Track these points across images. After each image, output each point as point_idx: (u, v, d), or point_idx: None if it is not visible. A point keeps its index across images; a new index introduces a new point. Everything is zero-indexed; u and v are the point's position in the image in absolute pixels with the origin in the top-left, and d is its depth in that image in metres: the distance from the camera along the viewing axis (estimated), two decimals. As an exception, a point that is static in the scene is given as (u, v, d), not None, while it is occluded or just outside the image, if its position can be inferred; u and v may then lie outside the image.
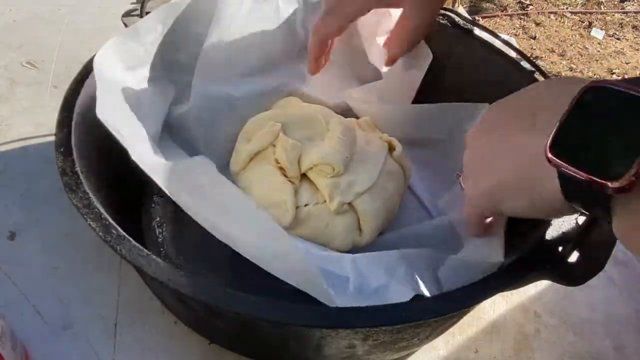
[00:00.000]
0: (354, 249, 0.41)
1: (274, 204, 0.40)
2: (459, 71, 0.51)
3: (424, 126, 0.49)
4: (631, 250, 0.26)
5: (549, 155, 0.25)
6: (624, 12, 2.25)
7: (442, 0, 0.49)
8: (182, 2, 0.44)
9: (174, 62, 0.45)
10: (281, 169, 0.41)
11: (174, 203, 0.35)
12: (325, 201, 0.40)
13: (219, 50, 0.45)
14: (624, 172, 0.22)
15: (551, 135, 0.25)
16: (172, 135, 0.47)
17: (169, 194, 0.34)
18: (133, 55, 0.42)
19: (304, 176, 0.41)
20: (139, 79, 0.43)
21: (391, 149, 0.45)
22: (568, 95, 0.27)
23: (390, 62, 0.49)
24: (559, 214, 0.30)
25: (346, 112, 0.52)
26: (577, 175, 0.24)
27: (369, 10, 0.46)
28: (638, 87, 0.23)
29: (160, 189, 0.35)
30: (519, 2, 2.24)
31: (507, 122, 0.32)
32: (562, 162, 0.25)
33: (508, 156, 0.30)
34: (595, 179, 0.23)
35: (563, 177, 0.26)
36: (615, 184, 0.23)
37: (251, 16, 0.46)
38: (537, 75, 0.48)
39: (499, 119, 0.33)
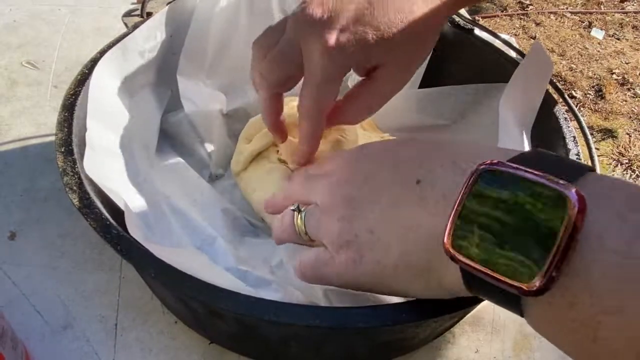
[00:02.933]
0: None
1: (274, 205, 0.40)
2: (459, 71, 0.51)
3: (426, 111, 0.49)
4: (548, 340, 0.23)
5: (449, 251, 0.22)
6: (624, 12, 2.25)
7: (423, 60, 0.39)
8: (179, 6, 0.45)
9: (170, 68, 0.45)
10: (287, 164, 0.41)
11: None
12: None
13: (198, 51, 0.45)
14: (536, 273, 0.19)
15: (447, 228, 0.22)
16: (169, 140, 0.47)
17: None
18: (131, 65, 0.42)
19: None
20: (136, 87, 0.44)
21: None
22: (457, 170, 0.24)
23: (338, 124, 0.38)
24: (456, 296, 0.27)
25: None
26: (483, 272, 0.21)
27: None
28: (529, 171, 0.20)
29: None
30: (519, 2, 2.24)
31: (390, 185, 0.27)
32: (463, 259, 0.22)
33: (400, 235, 0.26)
34: (504, 280, 0.20)
35: (465, 274, 0.23)
36: (528, 287, 0.20)
37: (226, 11, 0.46)
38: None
39: (380, 178, 0.28)
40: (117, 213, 0.34)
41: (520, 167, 0.21)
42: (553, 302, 0.20)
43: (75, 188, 0.33)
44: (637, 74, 1.95)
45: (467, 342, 0.40)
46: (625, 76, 1.94)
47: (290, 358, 0.37)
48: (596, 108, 1.79)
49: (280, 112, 0.38)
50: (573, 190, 0.19)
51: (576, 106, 1.75)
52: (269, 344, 0.35)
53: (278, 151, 0.42)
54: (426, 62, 0.48)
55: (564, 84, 1.86)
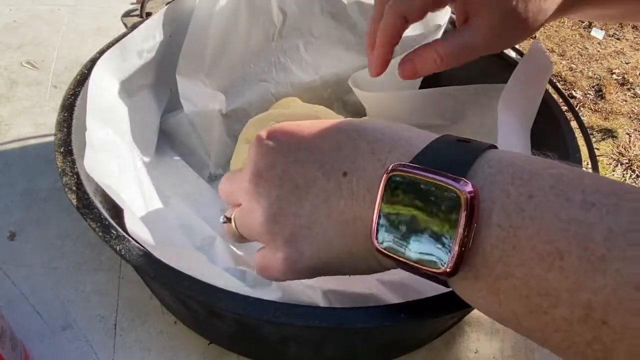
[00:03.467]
0: None
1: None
2: (459, 71, 0.51)
3: (427, 112, 0.49)
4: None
5: (377, 247, 0.25)
6: (624, 12, 2.24)
7: (516, 38, 0.37)
8: (178, 6, 0.45)
9: (169, 68, 0.45)
10: None
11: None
12: None
13: (198, 50, 0.45)
14: (446, 261, 0.22)
15: (372, 229, 0.25)
16: (169, 140, 0.47)
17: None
18: (130, 65, 0.42)
19: None
20: (135, 87, 0.44)
21: None
22: (377, 161, 0.26)
23: (414, 75, 0.38)
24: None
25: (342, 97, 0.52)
26: (405, 262, 0.24)
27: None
28: (428, 170, 0.23)
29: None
30: (519, 2, 2.24)
31: (316, 179, 0.27)
32: (387, 253, 0.24)
33: (337, 228, 0.27)
34: (421, 268, 0.24)
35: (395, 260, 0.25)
36: (441, 272, 0.23)
37: (226, 11, 0.46)
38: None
39: (303, 172, 0.28)
40: (117, 213, 0.34)
41: (417, 167, 0.24)
42: (464, 277, 0.23)
43: (74, 188, 0.33)
44: (637, 74, 1.95)
45: (466, 342, 0.40)
46: (625, 76, 1.94)
47: (290, 358, 0.37)
48: (596, 108, 1.79)
49: (395, 41, 0.38)
50: (467, 186, 0.22)
51: (576, 106, 1.75)
52: (269, 344, 0.35)
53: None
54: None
55: (564, 84, 1.86)
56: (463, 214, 0.22)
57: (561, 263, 0.20)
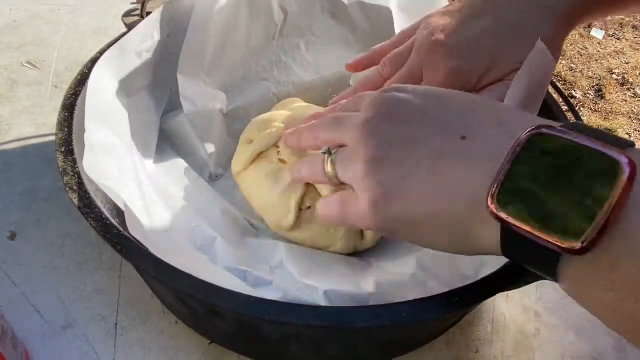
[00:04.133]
0: (354, 253, 0.42)
1: (275, 206, 0.40)
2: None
3: None
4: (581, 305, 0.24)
5: (492, 208, 0.22)
6: (623, 12, 2.24)
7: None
8: (176, 5, 0.44)
9: (169, 67, 0.45)
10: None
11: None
12: None
13: (198, 49, 0.45)
14: (584, 231, 0.20)
15: (493, 186, 0.23)
16: (169, 140, 0.47)
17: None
18: (128, 67, 0.42)
19: None
20: (135, 87, 0.43)
21: None
22: (503, 132, 0.25)
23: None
24: (481, 255, 0.27)
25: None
26: (526, 230, 0.22)
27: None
28: (583, 137, 0.21)
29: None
30: (519, 2, 2.24)
31: (432, 135, 0.27)
32: (507, 217, 0.22)
33: (437, 187, 0.26)
34: (547, 238, 0.21)
35: (505, 231, 0.23)
36: (571, 246, 0.20)
37: (226, 9, 0.45)
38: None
39: (422, 126, 0.27)
40: (117, 213, 0.34)
41: (571, 133, 0.21)
42: (594, 262, 0.21)
43: (75, 188, 0.33)
44: (637, 74, 1.95)
45: (467, 342, 0.40)
46: (625, 76, 1.94)
47: (290, 358, 0.37)
48: (596, 108, 1.79)
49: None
50: (624, 157, 0.20)
51: (576, 106, 1.75)
52: (269, 344, 0.35)
53: (279, 152, 0.42)
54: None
55: (564, 84, 1.86)
56: (618, 185, 0.20)
57: None
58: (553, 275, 0.23)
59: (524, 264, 0.24)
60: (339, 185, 0.32)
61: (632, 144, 0.22)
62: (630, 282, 0.20)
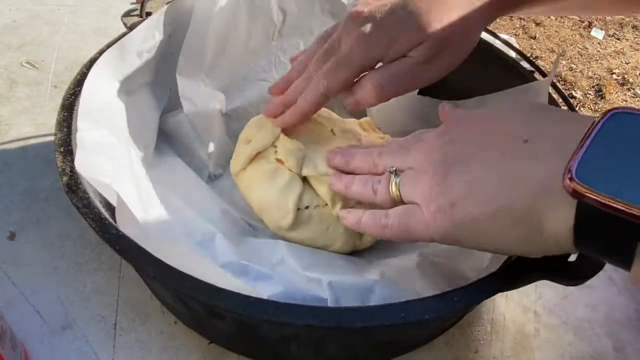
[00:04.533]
0: (353, 252, 0.42)
1: (274, 205, 0.40)
2: (458, 71, 0.51)
3: (428, 118, 0.49)
4: None
5: (570, 182, 0.22)
6: (624, 12, 2.24)
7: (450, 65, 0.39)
8: (178, 6, 0.44)
9: (169, 67, 0.45)
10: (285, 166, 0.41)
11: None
12: (326, 204, 0.40)
13: (198, 50, 0.45)
14: None
15: (574, 160, 0.22)
16: (169, 140, 0.47)
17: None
18: (128, 66, 0.42)
19: (303, 178, 0.41)
20: (134, 87, 0.43)
21: None
22: (570, 124, 0.26)
23: (358, 106, 0.39)
24: (552, 253, 0.27)
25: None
26: (607, 203, 0.21)
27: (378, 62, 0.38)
28: None
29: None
30: (519, 2, 2.24)
31: (494, 144, 0.28)
32: (586, 190, 0.21)
33: (505, 184, 0.26)
34: (629, 206, 0.20)
35: (582, 211, 0.23)
36: None
37: (225, 10, 0.46)
38: (536, 75, 0.48)
39: (484, 140, 0.29)
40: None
41: None
42: None
43: (74, 188, 0.33)
44: (637, 74, 1.95)
45: (467, 341, 0.40)
46: (625, 76, 1.94)
47: (290, 358, 0.37)
48: (596, 108, 1.79)
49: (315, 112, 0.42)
50: None
51: (576, 106, 1.75)
52: (269, 344, 0.35)
53: (276, 151, 0.42)
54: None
55: (564, 84, 1.86)
56: None
57: None
58: (628, 260, 0.22)
59: (597, 251, 0.23)
60: (397, 205, 0.33)
61: None
62: None
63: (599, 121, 0.23)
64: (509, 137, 0.28)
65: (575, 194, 0.22)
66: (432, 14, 0.35)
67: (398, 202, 0.33)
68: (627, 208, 0.21)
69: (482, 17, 0.37)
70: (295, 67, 0.42)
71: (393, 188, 0.33)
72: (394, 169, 0.33)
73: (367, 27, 0.36)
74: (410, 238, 0.32)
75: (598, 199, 0.21)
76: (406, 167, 0.33)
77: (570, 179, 0.22)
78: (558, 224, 0.24)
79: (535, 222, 0.25)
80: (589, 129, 0.23)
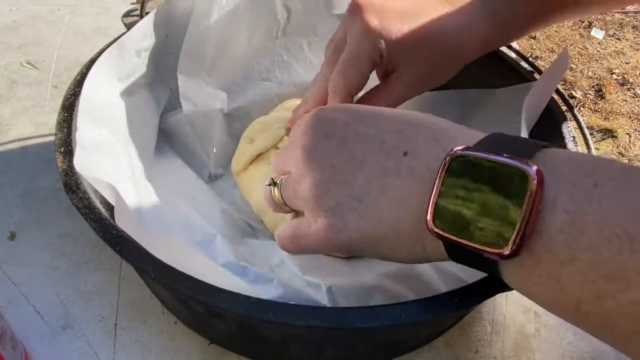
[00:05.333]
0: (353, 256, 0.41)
1: (275, 206, 0.40)
2: (459, 70, 0.51)
3: (433, 113, 0.49)
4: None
5: (431, 227, 0.24)
6: (624, 12, 2.25)
7: (439, 81, 0.40)
8: (175, 5, 0.44)
9: (168, 67, 0.45)
10: None
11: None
12: None
13: (198, 49, 0.45)
14: (508, 240, 0.22)
15: (429, 208, 0.24)
16: (169, 139, 0.47)
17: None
18: (127, 65, 0.42)
19: None
20: (134, 86, 0.43)
21: None
22: (440, 148, 0.26)
23: None
24: (436, 262, 0.29)
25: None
26: (462, 243, 0.24)
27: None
28: (494, 153, 0.23)
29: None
30: (519, 2, 2.24)
31: (375, 154, 0.28)
32: (445, 235, 0.24)
33: (390, 205, 0.27)
34: (481, 248, 0.23)
35: (446, 243, 0.25)
36: (501, 253, 0.23)
37: (226, 8, 0.45)
38: (536, 75, 0.48)
39: (362, 146, 0.28)
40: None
41: (483, 151, 0.24)
42: (523, 263, 0.23)
43: (75, 188, 0.33)
44: (637, 74, 1.95)
45: (467, 342, 0.40)
46: (625, 76, 1.94)
47: (290, 358, 0.37)
48: (596, 108, 1.79)
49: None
50: (533, 167, 0.22)
51: (576, 106, 1.75)
52: (269, 344, 0.35)
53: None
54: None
55: (564, 84, 1.86)
56: (529, 194, 0.22)
57: (631, 245, 0.20)
58: (499, 276, 0.25)
59: (473, 267, 0.26)
60: (291, 212, 0.33)
61: (545, 145, 0.24)
62: (550, 276, 0.22)
63: (444, 162, 0.24)
64: (389, 146, 0.28)
65: (433, 233, 0.25)
66: (430, 36, 0.36)
67: (287, 210, 0.32)
68: (475, 245, 0.24)
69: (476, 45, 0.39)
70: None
71: (276, 195, 0.32)
72: (271, 178, 0.32)
73: (371, 21, 0.36)
74: (306, 252, 0.31)
75: (451, 238, 0.24)
76: (286, 170, 0.32)
77: (430, 218, 0.25)
78: (436, 247, 0.26)
79: (418, 243, 0.27)
80: (439, 168, 0.24)
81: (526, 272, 0.23)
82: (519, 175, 0.22)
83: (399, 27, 0.36)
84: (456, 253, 0.25)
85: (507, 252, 0.22)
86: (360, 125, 0.29)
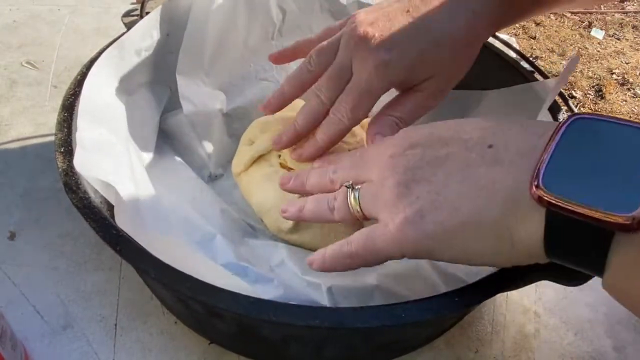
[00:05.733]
0: None
1: (275, 208, 0.40)
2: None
3: (432, 112, 0.49)
4: (625, 306, 0.23)
5: (537, 191, 0.22)
6: (624, 12, 2.25)
7: (460, 76, 0.39)
8: (176, 4, 0.44)
9: (168, 66, 0.45)
10: (288, 169, 0.41)
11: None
12: None
13: (197, 49, 0.45)
14: (636, 204, 0.19)
15: (541, 167, 0.22)
16: (169, 139, 0.47)
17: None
18: (127, 65, 0.42)
19: None
20: (134, 86, 0.43)
21: None
22: (529, 133, 0.25)
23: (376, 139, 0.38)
24: (524, 263, 0.27)
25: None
26: (576, 211, 0.21)
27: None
28: (623, 119, 0.22)
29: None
30: (519, 2, 2.24)
31: (458, 152, 0.27)
32: (554, 198, 0.21)
33: (470, 194, 0.26)
34: (599, 216, 0.20)
35: (551, 219, 0.22)
36: (623, 220, 0.20)
37: (224, 8, 0.45)
38: (536, 75, 0.48)
39: (445, 149, 0.28)
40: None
41: (608, 117, 0.22)
42: None
43: (75, 188, 0.33)
44: (637, 74, 1.95)
45: (467, 342, 0.40)
46: (625, 76, 1.94)
47: (290, 358, 0.37)
48: (596, 108, 1.79)
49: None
50: None
51: (576, 106, 1.75)
52: (269, 344, 0.35)
53: (280, 155, 0.42)
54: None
55: (563, 84, 1.86)
56: None
57: None
58: (600, 266, 0.22)
59: (569, 259, 0.23)
60: (361, 219, 0.32)
61: None
62: None
63: (561, 126, 0.23)
64: (472, 142, 0.27)
65: (543, 201, 0.22)
66: (443, 47, 0.36)
67: (359, 217, 0.31)
68: (590, 211, 0.21)
69: (481, 40, 0.38)
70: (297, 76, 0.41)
71: (352, 202, 0.31)
72: (351, 183, 0.32)
73: (382, 54, 0.35)
74: (379, 258, 0.30)
75: (562, 204, 0.21)
76: (364, 179, 0.31)
77: (537, 186, 0.22)
78: (528, 234, 0.24)
79: (504, 232, 0.25)
80: (552, 134, 0.23)
81: None
82: None
83: (406, 47, 0.36)
84: (558, 233, 0.22)
85: (630, 222, 0.19)
86: (444, 131, 0.29)
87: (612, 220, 0.20)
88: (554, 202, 0.21)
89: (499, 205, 0.25)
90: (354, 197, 0.31)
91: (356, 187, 0.31)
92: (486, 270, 0.32)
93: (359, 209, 0.31)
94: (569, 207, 0.21)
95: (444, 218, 0.26)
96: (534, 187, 0.22)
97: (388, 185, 0.29)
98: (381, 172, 0.30)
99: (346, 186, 0.32)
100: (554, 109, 0.43)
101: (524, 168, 0.23)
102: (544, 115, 0.42)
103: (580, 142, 0.22)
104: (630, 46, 2.09)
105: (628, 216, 0.20)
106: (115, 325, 0.38)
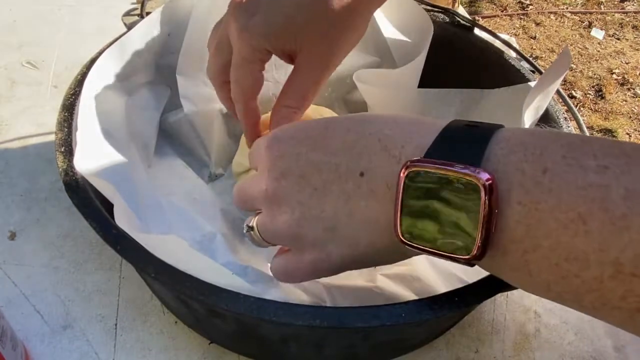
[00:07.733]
0: None
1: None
2: (458, 71, 0.51)
3: (431, 111, 0.49)
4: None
5: (402, 240, 0.26)
6: (624, 12, 2.25)
7: (350, 47, 0.36)
8: (177, 5, 0.44)
9: (169, 66, 0.45)
10: None
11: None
12: None
13: (197, 49, 0.45)
14: (472, 247, 0.23)
15: (397, 228, 0.25)
16: (169, 139, 0.47)
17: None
18: (128, 65, 0.42)
19: None
20: (134, 86, 0.43)
21: None
22: (391, 158, 0.26)
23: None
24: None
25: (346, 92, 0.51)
26: (436, 256, 0.25)
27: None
28: (445, 163, 0.24)
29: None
30: (519, 2, 2.24)
31: (335, 180, 0.28)
32: (416, 245, 0.25)
33: (365, 228, 0.28)
34: (449, 255, 0.25)
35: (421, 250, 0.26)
36: (470, 257, 0.24)
37: (224, 9, 0.45)
38: (536, 75, 0.48)
39: (320, 175, 0.28)
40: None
41: (436, 157, 0.24)
42: (492, 256, 0.24)
43: (75, 188, 0.33)
44: (637, 74, 1.95)
45: (467, 341, 0.40)
46: (625, 76, 1.94)
47: (290, 358, 0.37)
48: (596, 108, 1.79)
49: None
50: (483, 174, 0.23)
51: (576, 106, 1.75)
52: (269, 344, 0.35)
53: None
54: (422, 61, 0.47)
55: (564, 84, 1.86)
56: (484, 201, 0.23)
57: (585, 227, 0.21)
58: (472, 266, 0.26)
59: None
60: (261, 245, 0.33)
61: (498, 126, 0.25)
62: (518, 263, 0.24)
63: (400, 178, 0.25)
64: (343, 169, 0.28)
65: (411, 246, 0.26)
66: (313, 12, 0.33)
67: (269, 245, 0.32)
68: (442, 253, 0.25)
69: (366, 5, 0.36)
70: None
71: (256, 237, 0.32)
72: (246, 227, 0.32)
73: (244, 19, 0.33)
74: (303, 281, 0.32)
75: (421, 247, 0.25)
76: (257, 207, 0.31)
77: (399, 230, 0.25)
78: (414, 252, 0.27)
79: (397, 251, 0.28)
80: (398, 182, 0.25)
81: (497, 263, 0.25)
82: (470, 183, 0.23)
83: (271, 11, 0.33)
84: (434, 255, 0.26)
85: (475, 255, 0.24)
86: (310, 152, 0.29)
87: (458, 258, 0.24)
88: (414, 247, 0.26)
89: (388, 237, 0.27)
90: (255, 234, 0.32)
91: (251, 224, 0.32)
92: (485, 272, 0.32)
93: (266, 243, 0.32)
94: (427, 251, 0.25)
95: (347, 253, 0.29)
96: (398, 234, 0.26)
97: (280, 224, 0.29)
98: (267, 206, 0.30)
99: (244, 232, 0.33)
100: (554, 111, 0.43)
101: (392, 207, 0.26)
102: (531, 116, 0.42)
103: (418, 189, 0.25)
104: (630, 46, 2.09)
105: (469, 256, 0.24)
106: (115, 325, 0.38)
